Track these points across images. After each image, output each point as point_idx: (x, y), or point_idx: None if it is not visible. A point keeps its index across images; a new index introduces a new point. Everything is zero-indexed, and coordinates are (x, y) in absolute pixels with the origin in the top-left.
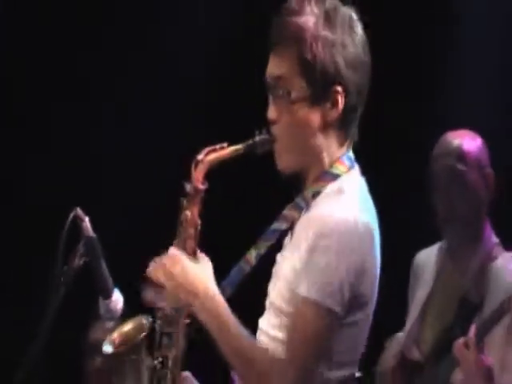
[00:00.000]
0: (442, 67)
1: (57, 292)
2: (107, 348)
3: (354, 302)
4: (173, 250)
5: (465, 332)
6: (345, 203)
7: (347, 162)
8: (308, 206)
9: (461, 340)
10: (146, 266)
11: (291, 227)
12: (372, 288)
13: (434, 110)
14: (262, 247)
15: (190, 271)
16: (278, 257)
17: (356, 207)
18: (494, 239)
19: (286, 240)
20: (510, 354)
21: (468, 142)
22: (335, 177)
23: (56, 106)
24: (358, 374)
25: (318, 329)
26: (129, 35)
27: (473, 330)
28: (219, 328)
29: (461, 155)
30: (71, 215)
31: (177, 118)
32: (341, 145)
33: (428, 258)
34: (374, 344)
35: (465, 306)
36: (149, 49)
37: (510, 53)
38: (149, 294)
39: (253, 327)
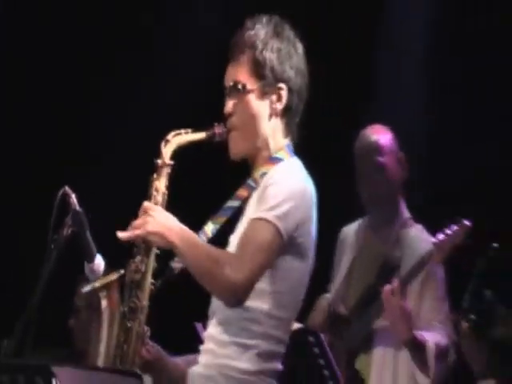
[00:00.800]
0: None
1: (49, 256)
2: (87, 288)
3: (295, 249)
4: (146, 203)
5: (385, 281)
6: (289, 176)
7: (289, 151)
8: (257, 185)
9: (388, 287)
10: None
11: (243, 204)
12: (310, 242)
13: (367, 111)
14: (218, 222)
15: (161, 218)
16: (231, 237)
17: (298, 178)
18: (407, 214)
19: (238, 218)
20: (423, 304)
21: (382, 136)
22: (279, 160)
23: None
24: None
25: (267, 239)
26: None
27: (397, 281)
28: (187, 244)
29: (378, 149)
30: (61, 192)
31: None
32: (284, 136)
33: (351, 231)
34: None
35: (385, 267)
36: (150, 48)
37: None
38: None
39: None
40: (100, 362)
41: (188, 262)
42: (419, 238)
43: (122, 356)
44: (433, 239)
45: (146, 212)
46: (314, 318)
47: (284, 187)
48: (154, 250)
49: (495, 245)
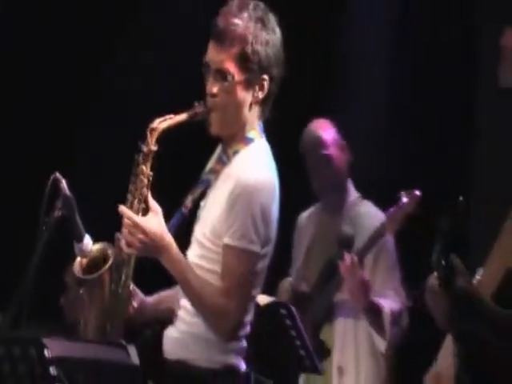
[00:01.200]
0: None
1: (41, 237)
2: (76, 266)
3: (265, 238)
4: (128, 216)
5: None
6: (256, 165)
7: (260, 131)
8: (229, 161)
9: (346, 260)
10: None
11: (216, 177)
12: (273, 228)
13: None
14: (196, 193)
15: (151, 231)
16: (202, 202)
17: (264, 168)
18: (356, 193)
19: (209, 190)
20: (377, 274)
21: (324, 131)
22: (251, 141)
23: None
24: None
25: (245, 269)
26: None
27: (354, 255)
28: (180, 274)
29: (322, 143)
30: (52, 178)
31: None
32: (259, 118)
33: (308, 216)
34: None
35: (341, 244)
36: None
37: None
38: None
39: None
40: (89, 335)
41: (178, 282)
42: (369, 214)
43: (110, 324)
44: (383, 213)
45: (136, 226)
46: (279, 298)
47: (250, 203)
48: None
49: (461, 198)
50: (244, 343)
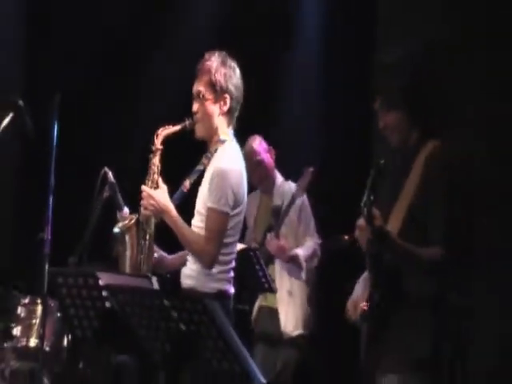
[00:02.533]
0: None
1: (95, 209)
2: (116, 229)
3: (235, 203)
4: (145, 190)
5: (277, 220)
6: (227, 157)
7: (231, 135)
8: (212, 156)
9: (268, 237)
10: (138, 195)
11: (205, 168)
12: (241, 197)
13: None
14: (191, 178)
15: (159, 199)
16: (200, 188)
17: (232, 159)
18: (281, 177)
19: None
20: (299, 227)
21: (255, 142)
22: (224, 141)
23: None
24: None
25: (220, 224)
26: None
27: (272, 233)
28: (177, 228)
29: (255, 152)
30: (103, 170)
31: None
32: (227, 126)
33: (253, 196)
34: None
35: (274, 211)
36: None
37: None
38: None
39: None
40: (127, 271)
41: (176, 234)
42: (291, 189)
43: (140, 265)
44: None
45: (149, 196)
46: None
47: (222, 179)
48: None
49: (382, 161)
50: (231, 274)
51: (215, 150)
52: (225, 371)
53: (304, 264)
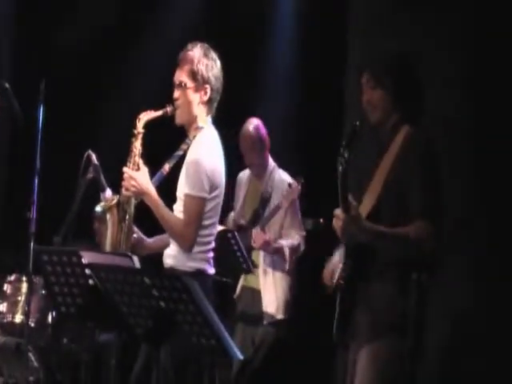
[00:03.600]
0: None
1: (79, 190)
2: (98, 208)
3: (212, 187)
4: (126, 171)
5: (264, 210)
6: (203, 144)
7: (209, 123)
8: (191, 142)
9: (254, 231)
10: (120, 177)
11: (185, 153)
12: (218, 181)
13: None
14: (171, 163)
15: (140, 181)
16: (180, 175)
17: (208, 146)
18: (273, 163)
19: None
20: (286, 220)
21: (252, 125)
22: (202, 128)
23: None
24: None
25: (196, 208)
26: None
27: (258, 228)
28: (157, 210)
29: (251, 134)
30: (87, 153)
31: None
32: (207, 114)
33: (244, 176)
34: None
35: (262, 198)
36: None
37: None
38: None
39: None
40: (107, 249)
41: (156, 216)
42: (281, 178)
43: (119, 244)
44: (288, 178)
45: (130, 177)
46: (226, 226)
47: (197, 166)
48: None
49: (357, 122)
50: (211, 254)
51: (194, 137)
52: (203, 346)
53: (288, 256)
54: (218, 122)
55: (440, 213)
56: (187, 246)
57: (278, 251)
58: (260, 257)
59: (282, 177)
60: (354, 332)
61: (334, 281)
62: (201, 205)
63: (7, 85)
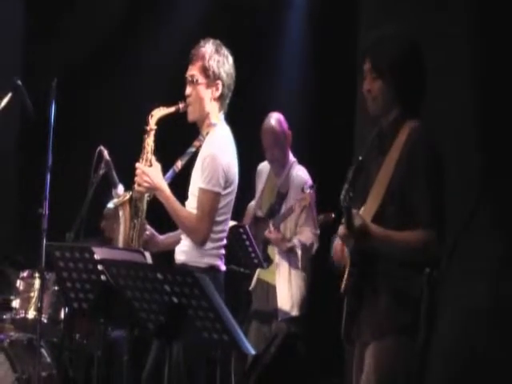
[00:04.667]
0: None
1: (92, 185)
2: (110, 205)
3: (226, 183)
4: (139, 167)
5: (279, 206)
6: (218, 140)
7: (221, 119)
8: (204, 139)
9: (268, 231)
10: (132, 173)
11: (197, 150)
12: (232, 176)
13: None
14: (184, 160)
15: (153, 177)
16: (193, 172)
17: (222, 141)
18: (293, 159)
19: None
20: (301, 217)
21: (275, 119)
22: (215, 125)
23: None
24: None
25: (211, 203)
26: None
27: (272, 226)
28: (170, 205)
29: (274, 129)
30: (98, 149)
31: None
32: (219, 110)
33: (264, 167)
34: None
35: (279, 194)
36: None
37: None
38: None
39: None
40: (120, 245)
41: (169, 212)
42: (300, 177)
43: (132, 240)
44: (306, 176)
45: (143, 173)
46: (246, 217)
47: (213, 161)
48: None
49: (360, 158)
50: (223, 251)
51: (207, 134)
52: (215, 341)
53: (300, 255)
54: (231, 118)
55: (444, 219)
56: (200, 241)
57: (291, 250)
58: (276, 252)
59: (299, 173)
60: (359, 332)
61: (342, 287)
62: (215, 199)
63: (19, 82)
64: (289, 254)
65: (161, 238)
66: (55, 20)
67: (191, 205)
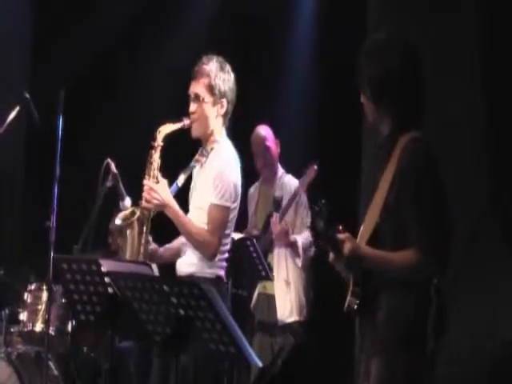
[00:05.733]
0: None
1: (99, 198)
2: (117, 221)
3: (235, 198)
4: (147, 184)
5: (277, 212)
6: (226, 157)
7: (224, 134)
8: (208, 154)
9: (273, 219)
10: (140, 187)
11: (201, 165)
12: (239, 192)
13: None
14: (186, 174)
15: (161, 193)
16: (193, 193)
17: (231, 158)
18: (282, 170)
19: (195, 173)
20: (297, 219)
21: (265, 130)
22: (219, 141)
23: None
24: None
25: (223, 218)
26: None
27: (277, 215)
28: (180, 220)
29: (264, 138)
30: (106, 161)
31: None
32: (222, 125)
33: (254, 188)
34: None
35: (275, 201)
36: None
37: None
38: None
39: None
40: (126, 258)
41: (178, 227)
42: (290, 182)
43: (137, 255)
44: (298, 181)
45: (152, 189)
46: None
47: (224, 177)
48: None
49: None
50: (225, 263)
51: (211, 149)
52: (222, 353)
53: (301, 251)
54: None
55: (440, 238)
56: (211, 255)
57: (292, 245)
58: (274, 260)
59: (291, 179)
60: (363, 345)
61: (345, 306)
62: (227, 214)
63: (27, 94)
64: (289, 253)
65: (160, 250)
66: (62, 31)
67: (195, 218)
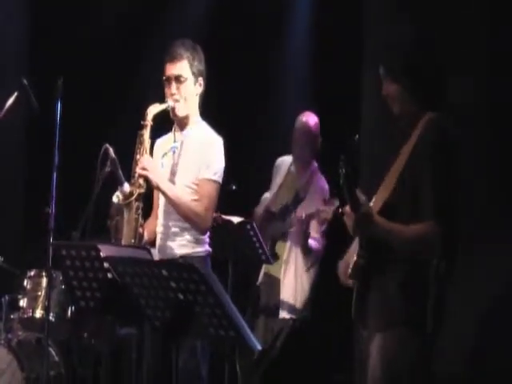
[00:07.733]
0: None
1: (98, 183)
2: (115, 199)
3: (221, 174)
4: (140, 159)
5: (295, 208)
6: (211, 133)
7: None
8: (188, 133)
9: (299, 218)
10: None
11: (181, 144)
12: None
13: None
14: (168, 153)
15: (154, 166)
16: (162, 160)
17: (217, 138)
18: (316, 166)
19: (176, 152)
20: (311, 226)
21: (311, 119)
22: (199, 121)
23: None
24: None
25: (216, 193)
26: None
27: (304, 216)
28: (173, 193)
29: (310, 128)
30: (104, 147)
31: None
32: (199, 106)
33: (285, 162)
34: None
35: (296, 196)
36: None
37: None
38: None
39: None
40: (123, 243)
41: (171, 203)
42: (322, 187)
43: (134, 237)
44: (326, 184)
45: (146, 160)
46: (259, 207)
47: (217, 155)
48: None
49: (356, 136)
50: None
51: (191, 129)
52: (222, 337)
53: (320, 220)
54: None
55: (452, 211)
56: (206, 229)
57: (312, 216)
58: (286, 248)
59: (320, 182)
60: (366, 321)
61: (349, 271)
62: (218, 189)
63: (25, 81)
64: (298, 251)
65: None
66: (61, 19)
67: (186, 196)
